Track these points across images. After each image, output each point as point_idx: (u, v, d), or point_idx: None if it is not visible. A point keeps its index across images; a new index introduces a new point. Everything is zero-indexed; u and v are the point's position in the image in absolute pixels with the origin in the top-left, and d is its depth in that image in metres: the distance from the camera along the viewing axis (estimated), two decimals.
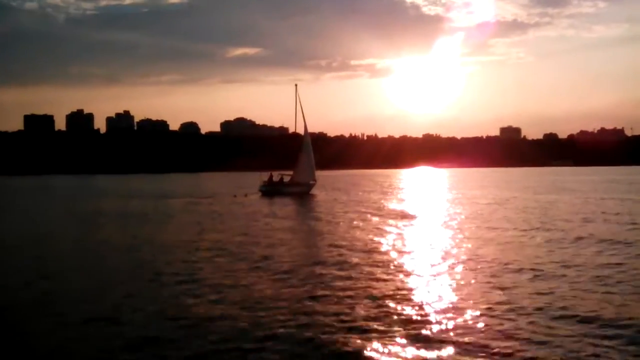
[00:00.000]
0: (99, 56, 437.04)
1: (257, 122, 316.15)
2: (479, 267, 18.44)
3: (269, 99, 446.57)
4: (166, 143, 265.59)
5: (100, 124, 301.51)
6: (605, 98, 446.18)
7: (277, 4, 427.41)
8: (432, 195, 64.54)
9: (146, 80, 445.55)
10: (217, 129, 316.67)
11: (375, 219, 35.51)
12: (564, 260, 19.21)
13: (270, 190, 62.57)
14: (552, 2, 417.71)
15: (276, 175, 65.50)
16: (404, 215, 37.76)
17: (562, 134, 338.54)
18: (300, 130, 66.15)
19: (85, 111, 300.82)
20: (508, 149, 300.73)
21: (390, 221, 33.89)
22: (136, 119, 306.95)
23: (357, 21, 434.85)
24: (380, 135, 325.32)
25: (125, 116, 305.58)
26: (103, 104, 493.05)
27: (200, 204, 50.96)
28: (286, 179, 64.95)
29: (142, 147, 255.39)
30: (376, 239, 25.61)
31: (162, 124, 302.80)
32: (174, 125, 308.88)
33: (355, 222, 33.42)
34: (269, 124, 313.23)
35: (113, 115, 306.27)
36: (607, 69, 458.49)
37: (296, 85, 65.47)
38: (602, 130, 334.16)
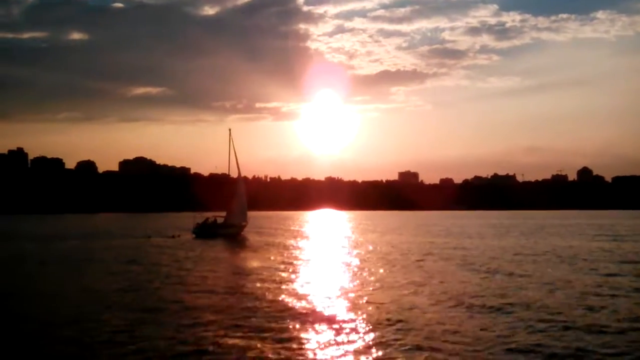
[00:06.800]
0: None
1: (157, 162, 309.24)
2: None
3: (170, 139, 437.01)
4: (61, 182, 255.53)
5: None
6: (497, 145, 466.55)
7: (180, 45, 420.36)
8: (337, 238, 65.35)
9: (42, 117, 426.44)
10: (115, 168, 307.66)
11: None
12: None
13: (204, 232, 62.37)
14: (450, 53, 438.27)
15: (211, 218, 65.51)
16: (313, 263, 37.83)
17: (458, 179, 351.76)
18: (234, 174, 66.69)
19: None
20: (406, 192, 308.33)
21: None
22: (30, 157, 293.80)
23: (263, 65, 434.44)
24: (283, 178, 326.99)
25: (19, 153, 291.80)
26: None
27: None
28: (219, 220, 65.13)
29: (36, 186, 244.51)
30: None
31: (57, 162, 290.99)
32: (70, 164, 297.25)
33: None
34: (170, 164, 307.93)
35: (5, 152, 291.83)
36: (500, 117, 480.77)
37: (230, 129, 65.73)
38: (495, 175, 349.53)
